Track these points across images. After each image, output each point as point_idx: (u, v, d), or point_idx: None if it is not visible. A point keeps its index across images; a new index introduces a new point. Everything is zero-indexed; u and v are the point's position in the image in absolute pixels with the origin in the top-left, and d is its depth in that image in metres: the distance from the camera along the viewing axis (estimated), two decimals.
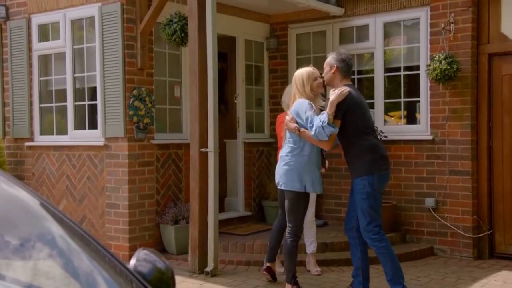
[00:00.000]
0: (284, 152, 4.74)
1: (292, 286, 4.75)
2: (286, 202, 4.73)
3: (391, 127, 6.86)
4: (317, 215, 7.27)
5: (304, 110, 4.53)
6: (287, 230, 4.79)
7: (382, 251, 4.43)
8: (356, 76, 7.16)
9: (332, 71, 4.57)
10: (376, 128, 6.52)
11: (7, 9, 6.99)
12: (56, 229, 1.73)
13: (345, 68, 4.57)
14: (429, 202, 6.43)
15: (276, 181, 4.83)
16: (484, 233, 6.24)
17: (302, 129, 4.53)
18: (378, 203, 4.45)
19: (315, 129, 4.36)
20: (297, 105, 4.63)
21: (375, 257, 5.11)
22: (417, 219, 6.58)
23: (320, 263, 5.79)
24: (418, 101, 6.64)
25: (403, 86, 6.73)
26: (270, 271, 5.24)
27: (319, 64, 7.43)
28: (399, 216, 6.65)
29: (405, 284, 4.50)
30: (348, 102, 4.36)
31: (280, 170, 4.74)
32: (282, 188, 4.74)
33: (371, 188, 4.37)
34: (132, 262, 1.74)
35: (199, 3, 5.50)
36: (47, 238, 1.70)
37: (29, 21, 6.85)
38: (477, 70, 6.28)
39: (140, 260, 1.73)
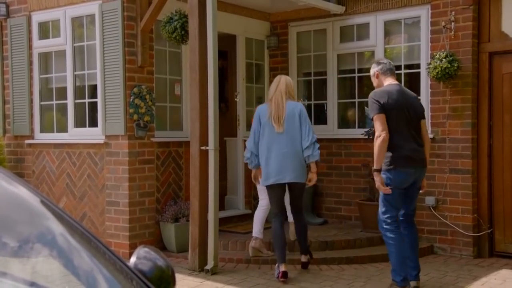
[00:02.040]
0: (296, 148, 5.17)
1: (306, 256, 5.44)
2: (297, 192, 5.26)
3: None
4: (317, 214, 7.28)
5: (306, 115, 5.26)
6: (299, 216, 5.36)
7: (389, 241, 4.67)
8: (356, 75, 7.16)
9: (375, 76, 4.99)
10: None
11: (7, 6, 6.98)
12: (56, 227, 1.73)
13: (384, 68, 4.93)
14: (429, 200, 6.43)
15: (287, 179, 5.13)
16: (484, 232, 6.25)
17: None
18: (394, 197, 4.65)
19: (315, 142, 5.18)
20: (302, 108, 5.31)
21: (376, 255, 5.13)
22: (417, 217, 6.52)
23: (320, 261, 5.79)
24: (419, 100, 6.62)
25: (403, 85, 6.72)
26: (286, 275, 5.11)
27: (319, 62, 7.47)
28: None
29: (407, 277, 4.67)
30: (385, 102, 4.66)
31: (293, 166, 5.12)
32: (297, 181, 5.16)
33: (389, 181, 4.63)
34: (133, 260, 1.74)
35: (199, 1, 5.49)
36: (47, 236, 1.70)
37: (29, 18, 6.84)
38: (477, 69, 6.27)
39: (141, 258, 1.73)
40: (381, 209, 4.69)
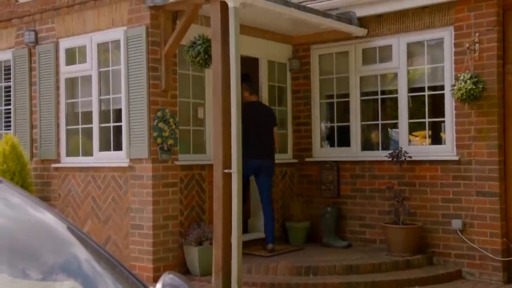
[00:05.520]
0: None
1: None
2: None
3: (416, 147, 6.79)
4: (341, 237, 7.19)
5: None
6: None
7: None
8: (379, 96, 7.13)
9: (244, 91, 6.68)
10: (400, 148, 6.49)
11: (36, 34, 7.17)
12: (82, 253, 1.75)
13: (250, 88, 6.84)
14: (456, 223, 6.31)
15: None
16: None
17: None
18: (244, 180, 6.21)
19: None
20: None
21: (402, 279, 5.00)
22: (444, 241, 6.45)
23: (344, 285, 5.71)
24: (443, 121, 6.56)
25: (427, 106, 6.67)
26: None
27: (341, 84, 7.47)
28: (425, 238, 6.53)
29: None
30: (244, 115, 6.24)
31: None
32: None
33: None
34: (158, 286, 1.74)
35: (222, 25, 5.56)
36: (73, 262, 1.71)
37: (57, 45, 7.00)
38: (503, 90, 6.19)
39: (166, 285, 1.73)
40: None
